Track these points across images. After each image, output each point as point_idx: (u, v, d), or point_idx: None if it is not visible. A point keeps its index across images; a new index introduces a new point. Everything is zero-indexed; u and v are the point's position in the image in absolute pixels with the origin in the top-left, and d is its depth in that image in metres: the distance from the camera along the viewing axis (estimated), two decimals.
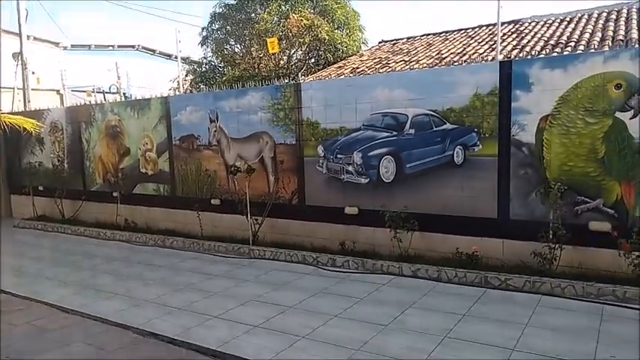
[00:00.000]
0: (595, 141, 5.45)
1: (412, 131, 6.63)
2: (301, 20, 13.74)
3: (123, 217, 9.87)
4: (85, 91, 22.05)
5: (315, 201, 7.62)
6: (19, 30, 13.12)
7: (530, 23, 12.06)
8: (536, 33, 10.81)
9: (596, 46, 8.65)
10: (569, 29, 10.48)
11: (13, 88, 14.66)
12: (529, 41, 10.12)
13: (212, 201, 8.73)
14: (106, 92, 24.09)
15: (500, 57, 9.00)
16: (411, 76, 6.98)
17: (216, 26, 15.94)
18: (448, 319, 4.70)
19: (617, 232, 5.26)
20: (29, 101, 13.29)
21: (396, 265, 6.28)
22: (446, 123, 6.37)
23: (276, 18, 15.19)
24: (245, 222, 7.96)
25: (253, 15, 15.56)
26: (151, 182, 9.68)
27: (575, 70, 5.49)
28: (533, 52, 9.08)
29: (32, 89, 14.09)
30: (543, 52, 9.04)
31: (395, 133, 6.77)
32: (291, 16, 14.02)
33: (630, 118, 5.25)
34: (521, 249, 5.89)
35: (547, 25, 11.45)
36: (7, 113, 10.87)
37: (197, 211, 8.53)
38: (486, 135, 6.10)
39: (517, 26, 12.00)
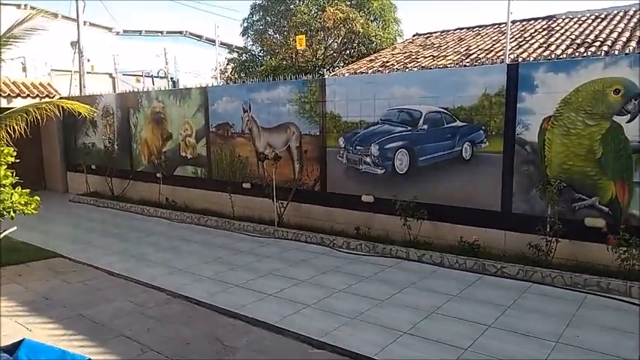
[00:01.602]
0: (593, 142, 5.78)
1: (425, 127, 7.11)
2: (337, 13, 14.22)
3: (164, 196, 10.84)
4: (135, 76, 23.36)
5: (335, 188, 8.24)
6: (77, 21, 14.29)
7: (563, 20, 12.09)
8: (566, 30, 10.90)
9: (621, 47, 8.75)
10: (600, 27, 10.52)
11: (71, 73, 15.93)
12: (557, 39, 10.26)
13: (243, 185, 9.51)
14: (155, 77, 25.33)
15: (524, 55, 9.27)
16: (426, 75, 7.44)
17: (256, 17, 16.65)
18: (441, 298, 5.25)
19: (607, 228, 5.61)
20: (84, 87, 14.49)
21: (404, 249, 6.84)
22: (456, 120, 6.81)
23: (314, 9, 15.75)
24: (272, 205, 8.70)
25: (292, 7, 16.17)
26: (189, 165, 10.57)
27: (578, 75, 5.82)
28: (558, 51, 9.26)
29: (87, 72, 15.38)
30: (569, 50, 9.21)
31: (409, 128, 7.27)
32: (327, 9, 14.53)
33: (627, 122, 5.56)
34: (521, 240, 6.31)
35: (580, 22, 11.48)
36: (65, 98, 12.03)
37: (229, 194, 9.33)
38: (493, 133, 6.52)
39: (550, 22, 12.06)
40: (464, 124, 6.76)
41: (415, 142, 7.23)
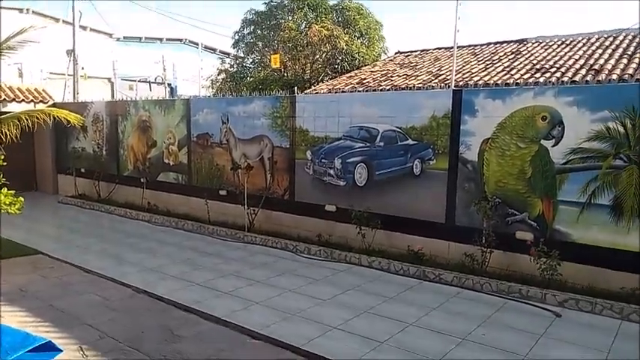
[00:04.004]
0: (524, 163, 6.39)
1: (382, 144, 7.72)
2: (322, 31, 14.90)
3: (147, 200, 11.41)
4: (129, 82, 23.98)
5: (302, 198, 8.83)
6: (73, 31, 14.96)
7: (532, 44, 12.77)
8: (531, 55, 11.56)
9: (572, 73, 9.39)
10: (562, 53, 11.18)
11: (65, 79, 16.57)
12: (520, 63, 10.91)
13: (220, 191, 10.09)
14: (152, 83, 25.95)
15: (486, 78, 9.92)
16: (384, 96, 8.07)
17: (247, 31, 17.35)
18: (377, 300, 5.82)
19: (535, 241, 6.20)
20: (78, 93, 15.13)
21: (357, 256, 7.42)
22: (408, 139, 7.43)
23: (303, 25, 16.44)
24: (244, 211, 9.28)
25: (282, 21, 16.86)
26: (172, 172, 11.17)
27: (512, 102, 6.44)
28: (517, 76, 9.89)
29: (82, 77, 16.09)
30: (526, 75, 9.84)
31: (368, 144, 7.88)
32: (313, 26, 15.23)
33: (552, 146, 6.17)
34: (462, 250, 6.88)
35: (546, 47, 12.15)
36: (58, 104, 12.68)
37: (206, 199, 9.92)
38: (440, 151, 7.13)
39: (519, 46, 12.73)
40: (415, 142, 7.37)
41: (373, 157, 7.83)
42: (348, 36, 15.69)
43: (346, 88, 11.98)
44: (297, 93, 9.00)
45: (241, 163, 9.46)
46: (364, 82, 12.40)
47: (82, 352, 4.43)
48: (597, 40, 11.79)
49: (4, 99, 12.92)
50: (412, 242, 7.32)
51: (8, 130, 9.11)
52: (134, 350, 4.52)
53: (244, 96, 9.85)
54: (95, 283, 6.49)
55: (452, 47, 14.39)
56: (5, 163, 7.79)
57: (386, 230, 7.66)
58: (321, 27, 15.12)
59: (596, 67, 9.43)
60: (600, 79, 8.79)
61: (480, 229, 6.68)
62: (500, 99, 6.54)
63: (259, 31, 17.35)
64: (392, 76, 12.31)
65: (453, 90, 7.06)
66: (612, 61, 9.55)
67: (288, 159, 8.96)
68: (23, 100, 13.24)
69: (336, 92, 11.52)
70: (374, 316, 5.34)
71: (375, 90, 10.87)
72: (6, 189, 7.56)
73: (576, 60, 10.29)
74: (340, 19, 16.59)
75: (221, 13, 45.62)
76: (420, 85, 10.58)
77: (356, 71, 14.42)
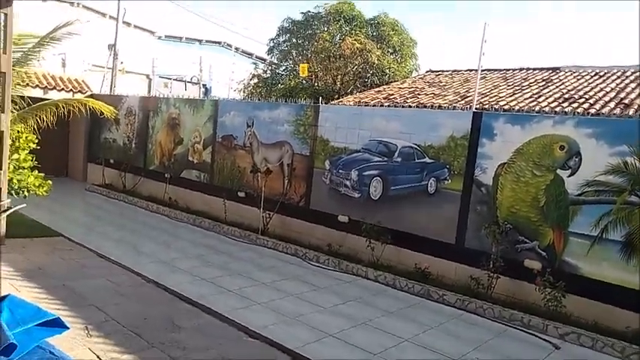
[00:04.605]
0: (538, 191, 6.36)
1: (399, 159, 7.80)
2: (354, 44, 15.10)
3: (169, 195, 11.75)
4: (169, 79, 24.68)
5: (317, 206, 8.95)
6: (116, 27, 15.60)
7: (565, 73, 12.63)
8: (562, 83, 11.44)
9: (601, 106, 9.27)
10: (594, 84, 11.03)
11: (104, 72, 17.23)
12: (550, 91, 10.82)
13: (238, 193, 10.32)
14: (188, 82, 26.66)
15: (513, 103, 9.88)
16: (404, 113, 8.15)
17: (282, 39, 17.71)
18: (377, 313, 5.88)
19: (542, 270, 6.15)
20: (115, 86, 15.72)
21: (364, 269, 7.48)
22: (425, 157, 7.48)
23: (338, 37, 16.69)
24: (260, 214, 9.46)
25: (318, 31, 17.15)
26: (195, 170, 11.47)
27: (531, 128, 6.44)
28: (544, 103, 9.83)
29: (127, 71, 16.76)
30: (554, 104, 9.76)
31: (385, 159, 7.96)
32: (346, 39, 15.45)
33: (568, 176, 6.13)
34: (469, 273, 6.86)
35: (578, 77, 12.00)
36: (95, 96, 13.24)
37: (224, 199, 10.16)
38: (455, 172, 7.16)
39: (551, 74, 12.61)
40: (432, 160, 7.42)
41: (389, 172, 7.91)
42: (381, 51, 15.85)
43: (373, 102, 12.10)
44: (322, 103, 9.16)
45: (261, 167, 9.66)
46: (391, 97, 12.49)
47: (87, 332, 4.65)
48: (632, 74, 11.57)
49: (46, 87, 13.56)
50: (420, 260, 7.34)
51: (45, 116, 9.59)
52: (136, 335, 4.70)
53: (271, 102, 10.07)
54: (109, 268, 6.75)
55: (483, 70, 14.38)
56: (39, 147, 8.21)
57: (395, 246, 7.69)
58: (355, 40, 15.32)
59: (626, 100, 9.29)
60: (630, 113, 8.66)
61: (489, 253, 6.66)
62: (520, 125, 6.54)
63: (294, 40, 17.68)
64: (419, 94, 12.37)
65: (474, 112, 7.09)
66: None
67: (306, 166, 9.11)
68: (63, 89, 13.86)
69: (364, 105, 11.67)
70: (371, 328, 5.40)
71: (401, 106, 10.95)
72: (37, 171, 7.96)
73: (607, 92, 10.14)
74: (375, 33, 16.77)
75: (259, 19, 46.48)
76: (445, 105, 10.61)
77: (385, 86, 14.54)
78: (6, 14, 6.78)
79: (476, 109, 7.80)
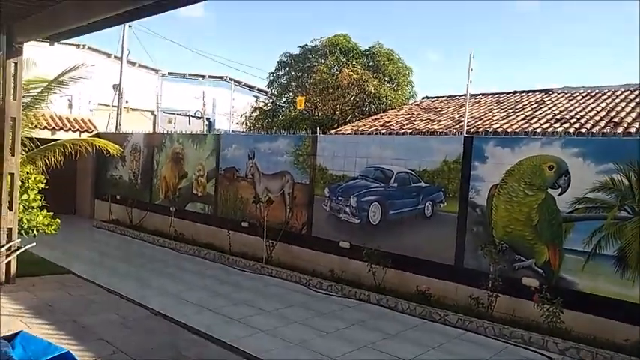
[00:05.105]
0: (531, 210, 6.54)
1: (395, 185, 8.02)
2: (351, 74, 15.55)
3: (174, 228, 11.96)
4: (168, 116, 25.24)
5: (319, 233, 9.13)
6: (120, 67, 16.17)
7: (557, 94, 12.93)
8: (554, 105, 11.73)
9: (591, 125, 9.51)
10: (586, 104, 11.30)
11: (109, 111, 17.75)
12: (542, 112, 11.09)
13: (242, 223, 10.53)
14: (192, 116, 27.24)
15: (506, 126, 10.13)
16: (399, 140, 8.43)
17: (281, 72, 18.23)
18: (379, 336, 5.99)
19: (540, 287, 6.26)
20: (120, 124, 16.18)
21: (367, 293, 7.60)
22: (421, 181, 7.70)
23: (335, 68, 17.18)
24: (263, 243, 9.65)
25: (315, 64, 17.65)
26: (199, 202, 11.72)
27: (520, 150, 6.67)
28: (536, 125, 10.08)
29: (132, 109, 17.30)
30: (546, 124, 10.01)
31: (383, 184, 8.19)
32: (344, 70, 15.91)
33: (558, 195, 6.31)
34: (469, 293, 6.98)
35: (570, 97, 12.29)
36: (101, 134, 13.65)
37: (228, 230, 10.36)
38: (450, 195, 7.36)
39: (544, 95, 12.92)
40: (427, 185, 7.63)
41: (387, 197, 8.12)
42: (377, 80, 16.26)
43: (370, 129, 12.41)
44: (319, 133, 9.46)
45: (263, 197, 9.90)
46: (388, 124, 12.81)
47: None
48: (622, 93, 11.85)
49: (54, 128, 14.01)
50: (421, 282, 7.46)
51: (54, 156, 9.94)
52: None
53: (271, 134, 10.39)
54: (116, 302, 6.92)
55: (478, 94, 14.75)
56: (48, 187, 8.51)
57: (396, 269, 7.83)
58: (352, 71, 15.76)
59: (616, 119, 9.53)
60: (619, 131, 8.89)
61: (488, 272, 6.79)
62: (509, 147, 6.78)
63: (293, 73, 18.19)
64: (415, 120, 12.68)
65: (465, 136, 7.35)
66: (633, 114, 9.62)
67: (307, 195, 9.34)
68: (70, 129, 14.31)
69: (360, 134, 11.97)
70: (373, 350, 5.51)
71: (397, 133, 11.24)
72: (45, 210, 8.23)
73: (597, 112, 10.40)
74: (371, 63, 17.23)
75: (259, 54, 47.67)
76: (440, 130, 10.89)
77: (382, 114, 14.89)
78: (16, 63, 7.22)
79: (468, 133, 8.05)
